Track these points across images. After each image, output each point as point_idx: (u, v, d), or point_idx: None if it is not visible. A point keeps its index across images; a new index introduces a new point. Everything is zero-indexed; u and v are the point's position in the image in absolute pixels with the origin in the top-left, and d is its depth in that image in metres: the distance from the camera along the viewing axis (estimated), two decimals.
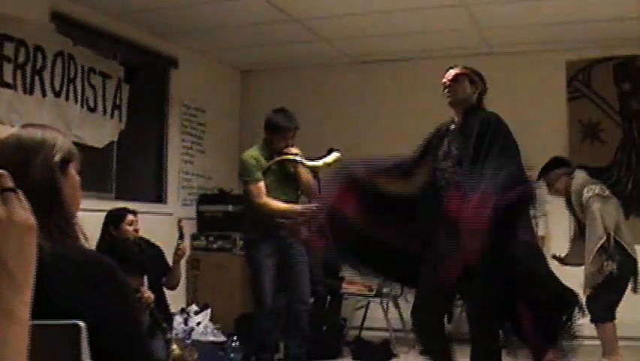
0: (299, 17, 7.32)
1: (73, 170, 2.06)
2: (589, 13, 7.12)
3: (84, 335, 1.78)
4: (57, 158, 1.96)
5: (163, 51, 8.12)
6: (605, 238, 6.04)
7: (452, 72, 4.85)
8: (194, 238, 8.48)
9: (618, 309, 6.27)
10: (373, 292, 7.39)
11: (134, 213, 5.84)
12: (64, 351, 1.79)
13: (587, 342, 7.12)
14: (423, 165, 4.80)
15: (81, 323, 1.78)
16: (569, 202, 6.58)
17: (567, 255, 6.66)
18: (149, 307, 5.09)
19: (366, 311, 7.91)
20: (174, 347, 5.21)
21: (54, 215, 1.90)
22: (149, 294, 5.04)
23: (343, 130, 8.89)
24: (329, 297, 7.81)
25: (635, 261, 6.19)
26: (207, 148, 8.82)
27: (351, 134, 8.83)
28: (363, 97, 9.02)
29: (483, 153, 4.41)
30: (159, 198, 8.20)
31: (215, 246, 8.36)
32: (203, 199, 8.60)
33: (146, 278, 5.16)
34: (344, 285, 7.72)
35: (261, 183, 5.91)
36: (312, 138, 7.94)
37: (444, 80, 4.87)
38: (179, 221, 6.22)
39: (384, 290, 7.44)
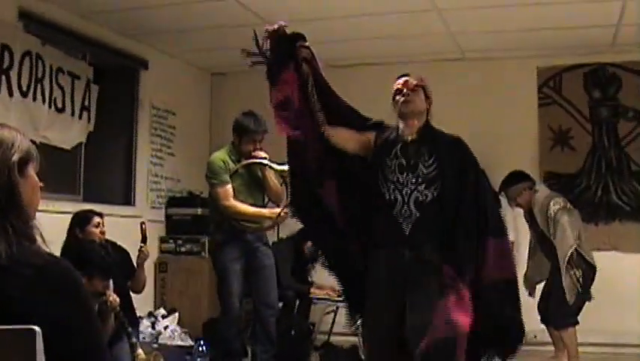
0: (271, 20, 7.25)
1: (32, 171, 2.01)
2: (561, 20, 7.15)
3: (39, 340, 1.75)
4: (15, 158, 1.93)
5: (133, 52, 8.04)
6: (574, 247, 6.33)
7: (412, 81, 4.44)
8: (162, 241, 8.41)
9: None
10: (342, 297, 7.34)
11: (101, 215, 5.77)
12: (19, 356, 1.75)
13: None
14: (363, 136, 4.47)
15: (36, 328, 1.74)
16: (530, 215, 6.77)
17: (526, 272, 6.86)
18: (115, 311, 5.01)
19: (335, 316, 7.87)
20: (139, 351, 5.13)
21: (10, 216, 1.87)
22: (114, 297, 4.96)
23: None
24: (298, 301, 7.76)
25: (594, 269, 6.52)
26: (177, 151, 8.74)
27: None
28: None
29: (471, 185, 4.26)
30: (127, 200, 8.11)
31: (183, 249, 8.30)
32: (172, 202, 8.53)
33: (111, 282, 5.07)
34: (313, 289, 7.68)
35: (229, 186, 5.87)
36: (282, 141, 7.91)
37: (398, 85, 4.47)
38: (142, 223, 6.16)
39: None
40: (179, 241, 8.32)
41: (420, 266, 4.13)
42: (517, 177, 6.81)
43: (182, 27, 7.59)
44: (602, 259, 7.77)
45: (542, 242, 6.73)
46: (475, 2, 6.72)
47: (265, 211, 6.04)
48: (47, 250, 2.01)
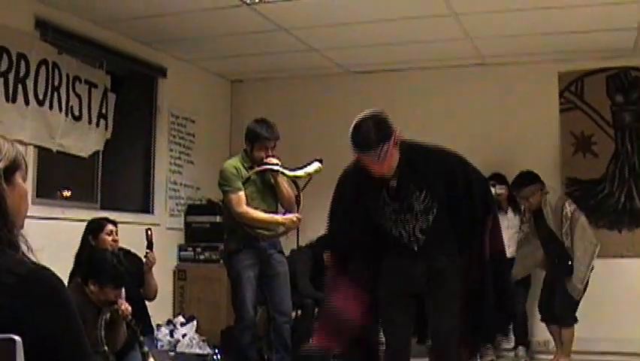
0: (286, 27, 7.25)
1: (19, 179, 1.99)
2: (582, 24, 7.06)
3: (20, 349, 1.72)
4: (1, 165, 1.89)
5: (151, 60, 8.04)
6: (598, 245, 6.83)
7: (373, 158, 4.04)
8: (181, 248, 8.40)
9: None
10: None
11: (114, 223, 5.77)
12: None
13: None
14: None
15: (16, 338, 1.71)
16: (535, 215, 7.10)
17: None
18: (127, 320, 4.99)
19: None
20: (151, 360, 5.11)
21: None
22: (126, 306, 4.94)
23: (333, 140, 8.76)
24: (317, 309, 7.71)
25: (591, 270, 6.87)
26: (196, 158, 8.73)
27: (341, 145, 8.73)
28: (354, 107, 8.77)
29: (463, 191, 4.35)
30: (146, 208, 8.11)
31: (202, 257, 8.28)
32: (191, 210, 8.52)
33: (123, 290, 5.06)
34: None
35: (242, 193, 5.86)
36: (302, 147, 7.90)
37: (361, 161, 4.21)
38: (148, 230, 6.15)
39: None
40: (198, 249, 8.31)
41: (435, 273, 4.31)
42: (531, 178, 7.09)
43: (199, 34, 7.59)
44: (625, 266, 7.70)
45: (549, 241, 6.99)
46: (493, 7, 6.65)
47: (278, 217, 6.03)
48: (34, 258, 1.97)
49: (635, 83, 8.10)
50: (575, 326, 6.98)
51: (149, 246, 6.03)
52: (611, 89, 8.20)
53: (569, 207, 6.90)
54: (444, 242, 4.32)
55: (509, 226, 7.26)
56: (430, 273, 4.31)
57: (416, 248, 4.30)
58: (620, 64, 8.11)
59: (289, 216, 5.99)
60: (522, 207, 7.42)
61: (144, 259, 5.96)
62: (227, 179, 5.92)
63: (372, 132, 4.02)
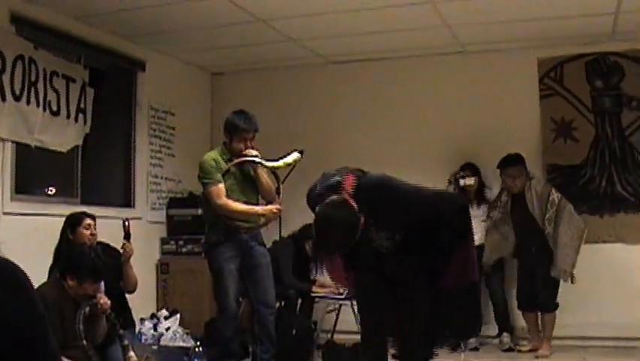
0: (264, 18, 7.23)
1: None
2: (560, 9, 7.05)
3: None
4: None
5: (129, 53, 8.01)
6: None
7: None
8: (163, 242, 8.40)
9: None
10: (343, 295, 7.30)
11: (92, 217, 5.75)
12: None
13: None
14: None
15: None
16: (515, 199, 7.31)
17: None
18: (106, 313, 4.99)
19: (337, 314, 7.82)
20: (131, 354, 5.09)
21: None
22: (105, 300, 4.94)
23: (316, 130, 8.83)
24: (300, 300, 7.71)
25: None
26: (177, 151, 8.71)
27: (323, 135, 8.77)
28: (335, 97, 8.95)
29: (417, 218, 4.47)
30: (127, 202, 8.08)
31: (184, 250, 8.27)
32: (173, 203, 8.50)
33: (102, 284, 5.05)
34: (314, 288, 7.63)
35: (221, 185, 5.85)
36: (284, 138, 7.88)
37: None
38: (125, 220, 6.09)
39: None
40: (181, 242, 8.30)
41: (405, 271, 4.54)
42: (519, 158, 7.33)
43: (177, 27, 7.55)
44: (607, 251, 7.73)
45: (526, 226, 7.15)
46: None
47: (258, 208, 6.03)
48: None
49: (613, 68, 8.11)
50: (556, 311, 7.05)
51: (127, 236, 5.96)
52: (591, 75, 8.21)
53: (556, 194, 7.10)
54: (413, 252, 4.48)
55: (474, 216, 7.23)
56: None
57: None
58: (599, 49, 8.11)
59: (269, 207, 5.99)
60: (500, 192, 7.53)
61: (121, 250, 5.90)
62: (207, 171, 5.91)
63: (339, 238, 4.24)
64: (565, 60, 8.28)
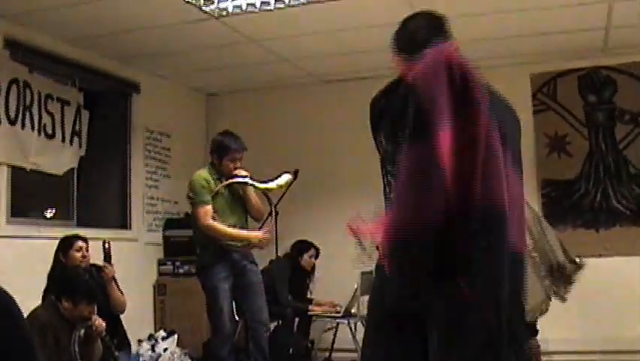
0: (256, 38, 7.27)
1: None
2: (552, 25, 7.08)
3: None
4: None
5: (123, 76, 8.05)
6: None
7: None
8: (160, 263, 8.40)
9: None
10: (340, 313, 7.30)
11: (85, 239, 5.77)
12: None
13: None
14: None
15: None
16: None
17: None
18: (101, 335, 5.00)
19: (335, 332, 7.82)
20: None
21: None
22: (99, 321, 4.95)
23: (310, 150, 8.84)
24: (297, 319, 7.72)
25: None
26: (172, 172, 8.73)
27: (318, 154, 8.79)
28: (328, 116, 8.98)
29: None
30: (124, 224, 8.10)
31: (182, 271, 8.28)
32: (169, 224, 8.51)
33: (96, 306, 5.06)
34: (311, 307, 7.64)
35: (209, 207, 5.89)
36: (279, 158, 7.91)
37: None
38: (105, 242, 6.10)
39: (353, 311, 7.35)
40: (177, 263, 8.31)
41: None
42: None
43: (170, 49, 7.59)
44: (602, 266, 7.71)
45: None
46: (461, 10, 6.65)
47: (244, 233, 6.04)
48: None
49: (606, 82, 8.14)
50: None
51: (107, 258, 5.98)
52: (583, 89, 8.24)
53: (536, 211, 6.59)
54: None
55: None
56: None
57: None
58: (591, 64, 8.15)
59: (254, 234, 6.00)
60: None
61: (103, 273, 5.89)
62: (196, 191, 5.96)
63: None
64: (558, 75, 8.32)
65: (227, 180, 5.95)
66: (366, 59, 8.06)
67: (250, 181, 5.93)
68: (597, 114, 8.21)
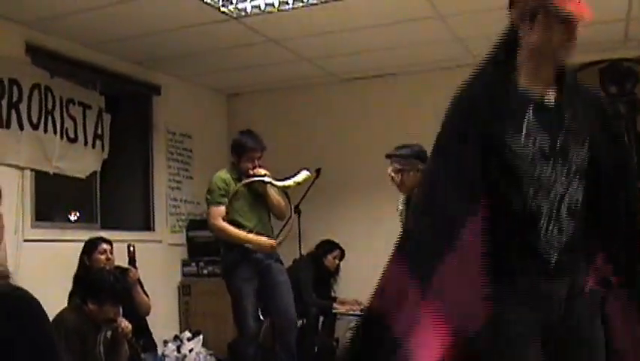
0: (276, 38, 7.28)
1: None
2: None
3: None
4: None
5: (144, 79, 8.09)
6: None
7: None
8: (184, 264, 8.44)
9: None
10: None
11: (109, 242, 5.81)
12: None
13: None
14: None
15: None
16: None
17: None
18: (127, 338, 5.02)
19: None
20: None
21: None
22: (125, 323, 4.97)
23: (331, 148, 8.84)
24: (321, 318, 7.72)
25: None
26: (195, 173, 8.76)
27: (340, 153, 8.78)
28: (349, 114, 8.97)
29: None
30: (147, 225, 8.15)
31: (206, 271, 8.31)
32: (193, 225, 8.53)
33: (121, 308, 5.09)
34: (335, 305, 7.64)
35: (221, 207, 5.90)
36: (301, 157, 7.92)
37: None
38: (130, 245, 6.16)
39: None
40: (201, 264, 8.34)
41: (577, 308, 2.57)
42: (421, 152, 5.63)
43: (190, 51, 7.62)
44: None
45: None
46: (478, 5, 6.64)
47: (252, 237, 5.96)
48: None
49: (627, 74, 8.08)
50: None
51: (131, 262, 6.04)
52: (605, 81, 8.18)
53: None
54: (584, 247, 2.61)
55: None
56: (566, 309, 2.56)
57: (553, 259, 2.52)
58: (612, 56, 8.10)
59: (262, 238, 5.97)
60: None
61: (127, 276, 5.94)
62: (211, 191, 6.01)
63: None
64: (579, 68, 8.25)
65: (246, 179, 5.96)
66: (386, 56, 8.06)
67: (267, 179, 5.94)
68: (619, 106, 8.16)
